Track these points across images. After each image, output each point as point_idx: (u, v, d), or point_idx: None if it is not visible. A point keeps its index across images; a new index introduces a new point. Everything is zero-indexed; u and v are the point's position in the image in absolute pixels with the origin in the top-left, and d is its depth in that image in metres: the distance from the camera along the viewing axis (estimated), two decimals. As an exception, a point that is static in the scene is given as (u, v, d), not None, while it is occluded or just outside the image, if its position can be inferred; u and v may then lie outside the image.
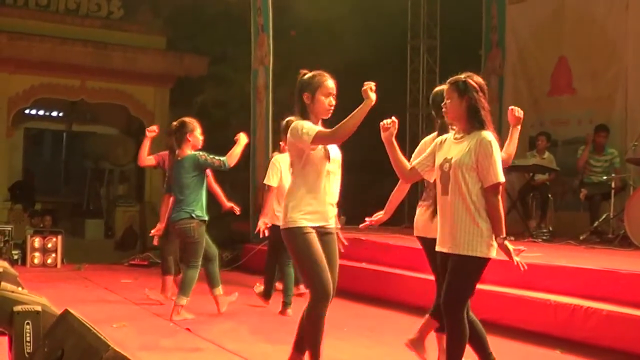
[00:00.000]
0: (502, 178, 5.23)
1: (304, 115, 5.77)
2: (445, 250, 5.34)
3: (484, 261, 5.24)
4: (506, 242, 5.18)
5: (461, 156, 5.29)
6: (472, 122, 5.33)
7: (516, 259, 5.17)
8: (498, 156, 5.25)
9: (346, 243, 6.07)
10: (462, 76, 5.40)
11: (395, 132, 5.69)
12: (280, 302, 9.35)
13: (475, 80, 5.39)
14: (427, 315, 6.11)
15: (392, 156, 5.68)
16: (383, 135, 5.65)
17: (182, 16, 17.29)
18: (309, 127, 5.62)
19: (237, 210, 9.95)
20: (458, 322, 5.26)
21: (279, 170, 9.41)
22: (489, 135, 5.25)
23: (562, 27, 14.60)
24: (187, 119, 9.02)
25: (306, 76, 5.82)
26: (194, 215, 8.69)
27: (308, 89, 5.76)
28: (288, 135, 5.79)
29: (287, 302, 9.26)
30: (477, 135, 5.27)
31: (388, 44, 16.77)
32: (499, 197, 5.22)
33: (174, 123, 9.07)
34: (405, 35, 17.29)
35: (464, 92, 5.33)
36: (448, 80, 5.49)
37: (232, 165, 8.86)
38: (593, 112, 13.80)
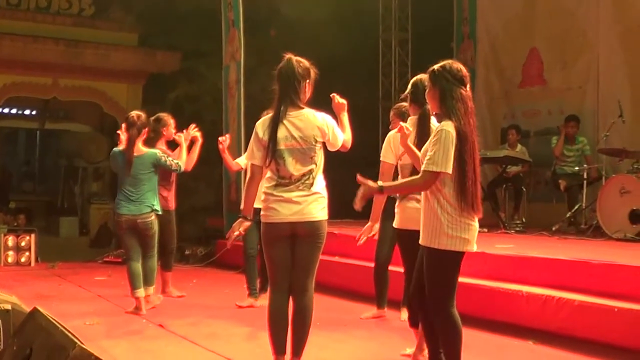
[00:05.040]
0: (438, 168, 4.98)
1: None
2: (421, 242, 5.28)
3: (447, 254, 5.08)
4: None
5: (425, 146, 5.30)
6: (442, 110, 5.28)
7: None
8: (445, 146, 4.99)
9: None
10: (436, 65, 5.32)
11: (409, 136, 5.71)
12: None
13: (450, 68, 5.28)
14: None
15: (413, 158, 5.70)
16: (401, 140, 5.66)
17: (153, 12, 17.19)
18: None
19: None
20: (445, 318, 5.15)
21: None
22: (447, 124, 5.08)
23: (533, 18, 14.65)
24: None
25: None
26: (154, 209, 8.90)
27: None
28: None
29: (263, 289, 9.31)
30: (440, 124, 5.18)
31: (360, 37, 16.74)
32: (428, 187, 5.09)
33: (132, 114, 9.03)
34: (377, 28, 17.23)
35: (435, 81, 5.30)
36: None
37: (189, 169, 9.13)
38: (564, 103, 13.86)
